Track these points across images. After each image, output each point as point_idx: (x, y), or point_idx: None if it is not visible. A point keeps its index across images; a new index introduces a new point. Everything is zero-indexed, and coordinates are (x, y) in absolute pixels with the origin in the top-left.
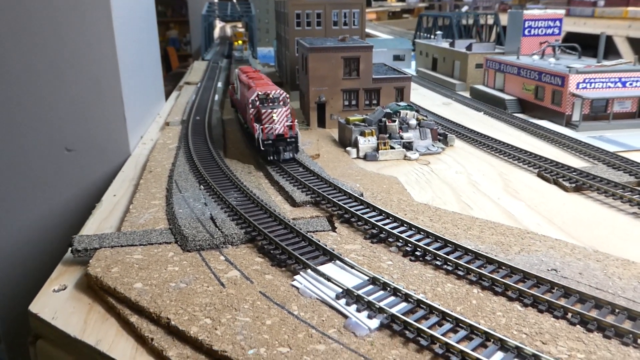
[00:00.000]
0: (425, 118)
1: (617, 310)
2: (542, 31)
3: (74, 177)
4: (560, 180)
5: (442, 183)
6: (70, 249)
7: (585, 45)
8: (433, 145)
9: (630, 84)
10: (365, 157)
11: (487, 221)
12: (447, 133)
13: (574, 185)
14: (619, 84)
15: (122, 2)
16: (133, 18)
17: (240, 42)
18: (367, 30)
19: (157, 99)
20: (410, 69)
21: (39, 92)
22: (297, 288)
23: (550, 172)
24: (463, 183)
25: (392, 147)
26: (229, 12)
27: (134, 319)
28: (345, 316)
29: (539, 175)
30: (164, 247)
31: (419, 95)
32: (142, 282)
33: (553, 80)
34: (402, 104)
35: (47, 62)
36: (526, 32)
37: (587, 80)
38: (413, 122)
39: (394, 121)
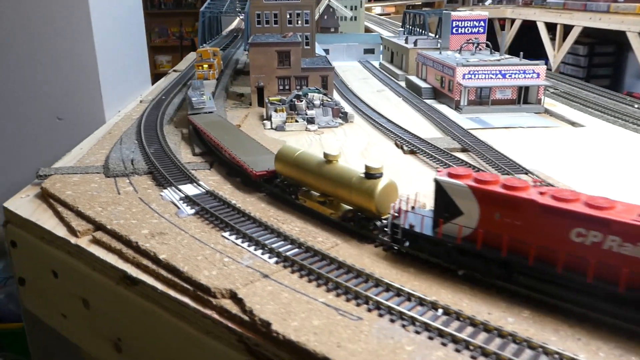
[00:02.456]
0: (329, 99)
1: None
2: (468, 30)
3: (63, 141)
4: (404, 146)
5: (321, 147)
6: (36, 174)
7: (605, 40)
8: (332, 121)
9: (510, 76)
10: (276, 128)
11: None
12: (347, 112)
13: (409, 149)
14: (499, 76)
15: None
16: (114, 10)
17: (205, 66)
18: (369, 25)
19: (141, 81)
20: (379, 61)
21: (32, 72)
22: (162, 195)
23: (401, 140)
24: (341, 148)
25: (296, 121)
26: (224, 9)
27: (61, 209)
28: (179, 207)
29: (395, 144)
30: (94, 175)
31: (363, 82)
32: (72, 191)
33: (448, 71)
34: (312, 88)
35: (36, 46)
36: (454, 31)
37: (471, 72)
38: (317, 102)
39: (302, 101)
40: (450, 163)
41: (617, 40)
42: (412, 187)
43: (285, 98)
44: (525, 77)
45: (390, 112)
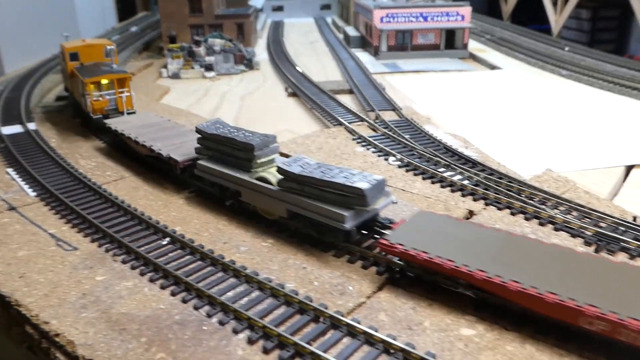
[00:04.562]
0: (232, 45)
1: None
2: None
3: None
4: (288, 89)
5: (214, 95)
6: None
7: (609, 3)
8: (234, 68)
9: (432, 19)
10: (171, 76)
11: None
12: (252, 58)
13: (291, 92)
14: (420, 19)
15: None
16: None
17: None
18: None
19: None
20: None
21: None
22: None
23: (290, 84)
24: (225, 93)
25: (192, 68)
26: None
27: None
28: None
29: (285, 89)
30: None
31: (303, 35)
32: None
33: (370, 16)
34: (216, 34)
35: None
36: None
37: (390, 15)
38: (217, 48)
39: (200, 47)
40: (323, 106)
41: (622, 4)
42: (285, 124)
43: (184, 44)
44: (448, 20)
45: (307, 61)
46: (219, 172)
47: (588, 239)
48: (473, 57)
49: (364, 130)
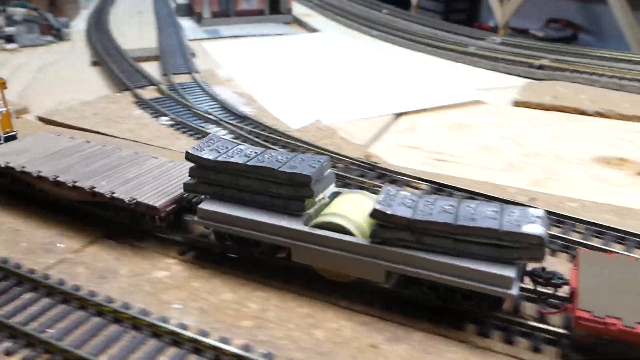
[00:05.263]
0: (36, 15)
1: None
2: None
3: None
4: (92, 58)
5: (9, 67)
6: None
7: None
8: (39, 39)
9: None
10: None
11: None
12: (62, 28)
13: (94, 61)
14: None
15: None
16: None
17: None
18: None
19: None
20: None
21: None
22: None
23: (96, 53)
24: (20, 65)
25: None
26: None
27: None
28: None
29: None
30: None
31: (133, 5)
32: None
33: None
34: (18, 2)
35: None
36: None
37: None
38: (18, 17)
39: None
40: (118, 72)
41: None
42: (74, 94)
43: None
44: None
45: (126, 31)
46: (243, 221)
47: None
48: (298, 22)
49: (150, 94)
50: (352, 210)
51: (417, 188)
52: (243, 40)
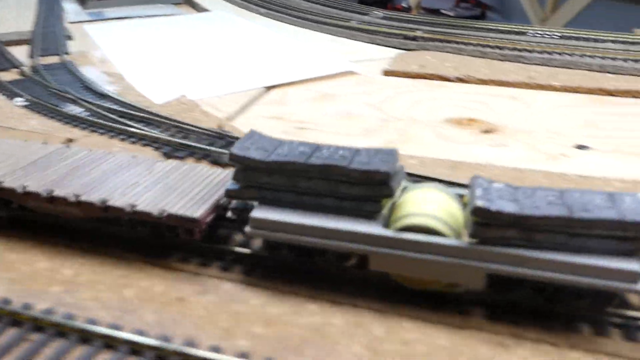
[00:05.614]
0: None
1: None
2: None
3: None
4: None
5: None
6: None
7: None
8: None
9: None
10: None
11: None
12: None
13: None
14: None
15: None
16: None
17: None
18: None
19: None
20: None
21: None
22: None
23: None
24: None
25: None
26: None
27: None
28: None
29: None
30: None
31: None
32: None
33: None
34: None
35: None
36: None
37: None
38: None
39: None
40: None
41: None
42: None
43: None
44: None
45: (4, 14)
46: (310, 229)
47: (165, 150)
48: (189, 2)
49: (11, 77)
50: (434, 208)
51: None
52: (127, 22)
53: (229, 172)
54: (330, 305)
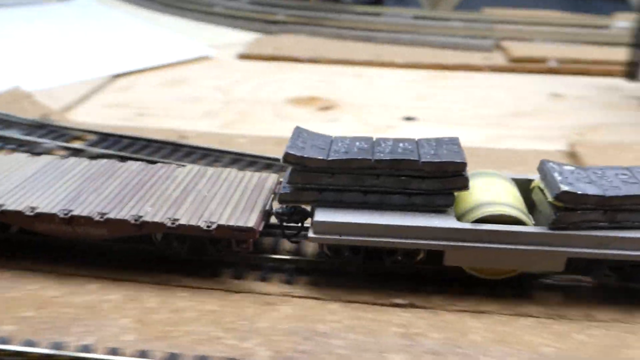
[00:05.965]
0: None
1: None
2: None
3: None
4: None
5: None
6: None
7: None
8: None
9: None
10: None
11: None
12: None
13: None
14: None
15: None
16: None
17: None
18: None
19: None
20: None
21: None
22: None
23: None
24: None
25: None
26: None
27: None
28: None
29: None
30: None
31: None
32: None
33: None
34: None
35: None
36: None
37: None
38: None
39: None
40: None
41: None
42: None
43: None
44: None
45: None
46: (380, 228)
47: None
48: None
49: None
50: (506, 195)
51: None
52: None
53: (262, 175)
54: (111, 283)
